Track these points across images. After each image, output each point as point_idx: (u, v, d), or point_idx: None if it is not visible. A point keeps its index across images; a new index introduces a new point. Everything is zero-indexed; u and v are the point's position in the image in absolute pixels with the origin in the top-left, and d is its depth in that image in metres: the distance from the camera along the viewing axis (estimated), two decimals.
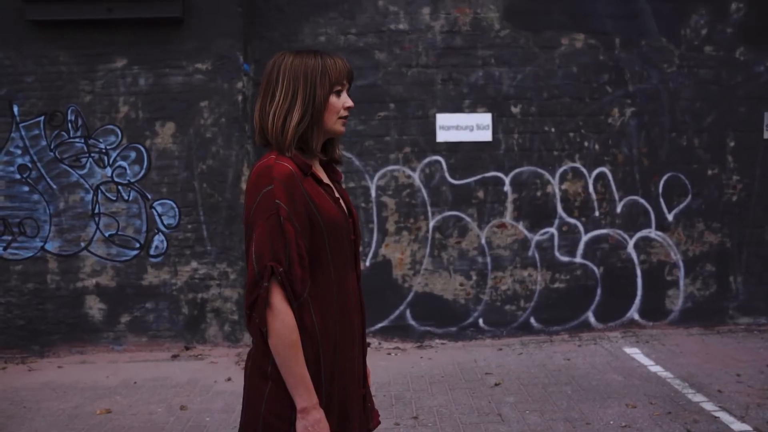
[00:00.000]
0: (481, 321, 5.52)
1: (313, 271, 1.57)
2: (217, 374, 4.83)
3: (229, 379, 4.72)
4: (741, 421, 3.83)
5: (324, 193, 1.62)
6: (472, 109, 5.42)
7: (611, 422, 3.88)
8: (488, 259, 5.50)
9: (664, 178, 5.61)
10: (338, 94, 1.64)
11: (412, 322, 5.47)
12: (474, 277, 5.50)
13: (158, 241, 5.28)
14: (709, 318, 5.70)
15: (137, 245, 5.28)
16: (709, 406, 4.08)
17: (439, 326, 5.48)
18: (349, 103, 1.67)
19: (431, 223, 5.45)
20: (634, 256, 5.63)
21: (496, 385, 4.51)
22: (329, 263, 1.61)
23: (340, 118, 1.65)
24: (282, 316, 1.49)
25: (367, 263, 5.43)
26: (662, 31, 5.55)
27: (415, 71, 5.40)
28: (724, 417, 3.91)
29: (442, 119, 5.39)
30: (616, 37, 5.52)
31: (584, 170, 5.54)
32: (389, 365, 4.98)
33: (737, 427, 3.76)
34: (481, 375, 4.73)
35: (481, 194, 5.46)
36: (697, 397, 4.24)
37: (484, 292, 5.52)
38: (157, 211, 5.27)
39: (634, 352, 5.19)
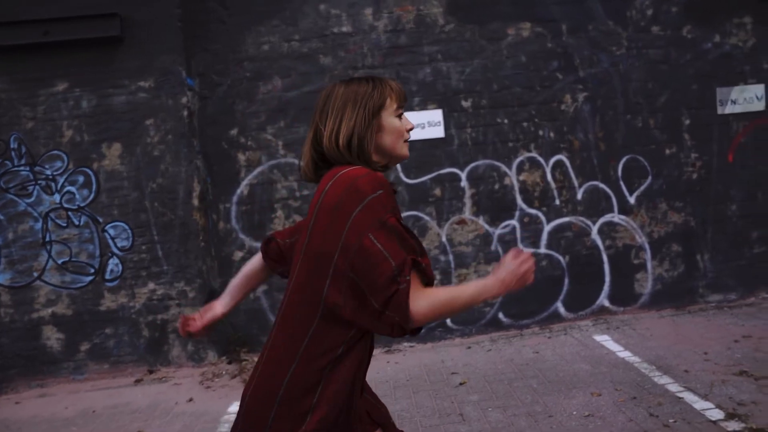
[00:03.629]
0: (448, 321, 5.43)
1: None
2: (180, 396, 4.72)
3: (190, 400, 4.61)
4: (704, 400, 3.76)
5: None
6: (423, 107, 5.36)
7: (574, 413, 3.79)
8: (450, 257, 5.42)
9: (623, 161, 5.56)
10: (400, 117, 1.64)
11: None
12: (437, 276, 5.41)
13: (113, 264, 5.17)
14: (679, 298, 5.63)
15: (92, 270, 5.17)
16: (674, 388, 4.01)
17: None
18: (411, 124, 1.68)
19: None
20: (599, 242, 5.56)
21: (460, 384, 4.42)
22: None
23: (405, 141, 1.65)
24: (429, 293, 1.50)
25: None
26: (609, 14, 5.51)
27: (362, 73, 5.33)
28: (688, 397, 3.84)
29: None
30: (562, 24, 5.47)
31: (541, 159, 5.48)
32: None
33: (700, 405, 3.69)
34: (447, 375, 4.63)
35: (438, 192, 5.39)
36: (663, 380, 4.17)
37: None
38: (109, 234, 5.17)
39: (604, 339, 5.11)
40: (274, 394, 1.52)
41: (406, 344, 5.38)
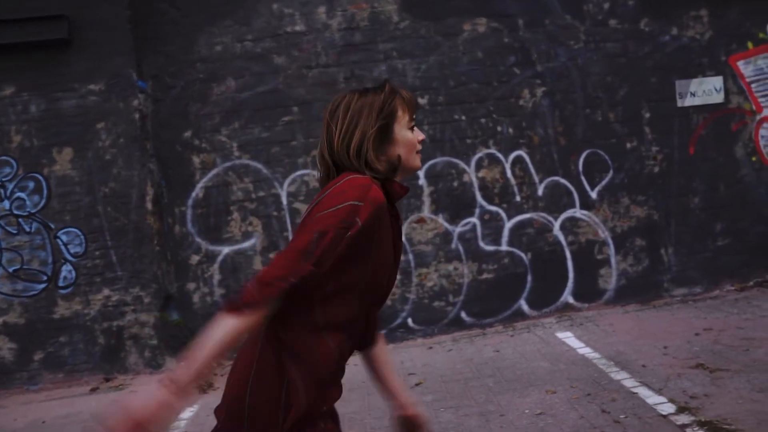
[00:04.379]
0: (410, 321, 5.36)
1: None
2: None
3: None
4: (658, 394, 3.70)
5: (387, 244, 1.54)
6: None
7: (527, 411, 3.72)
8: (410, 257, 5.35)
9: (583, 155, 5.51)
10: (412, 128, 1.61)
11: None
12: (398, 276, 5.34)
13: (66, 271, 5.07)
14: (644, 293, 5.58)
15: (44, 278, 5.06)
16: (629, 383, 3.95)
17: None
18: (422, 136, 1.65)
19: None
20: (561, 238, 5.51)
21: (416, 384, 4.34)
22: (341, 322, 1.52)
23: (417, 153, 1.63)
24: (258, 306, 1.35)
25: None
26: (565, 8, 5.47)
27: (316, 72, 5.27)
28: (642, 392, 3.78)
29: None
30: (519, 19, 5.43)
31: (500, 155, 5.43)
32: None
33: (653, 400, 3.63)
34: (405, 376, 4.55)
35: None
36: (620, 375, 4.11)
37: (410, 290, 5.36)
38: (62, 241, 5.07)
39: (567, 336, 5.05)
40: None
41: None
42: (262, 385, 1.46)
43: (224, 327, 1.33)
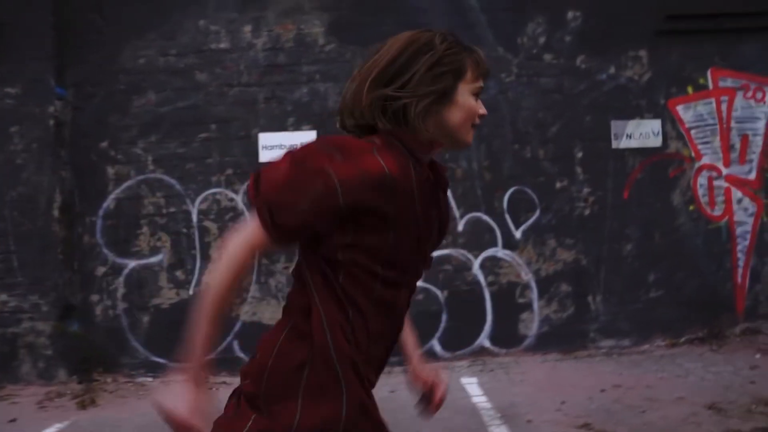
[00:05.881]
0: None
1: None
2: (10, 415, 4.48)
3: (13, 420, 4.37)
4: None
5: (419, 219, 1.32)
6: (297, 127, 5.19)
7: None
8: None
9: (509, 192, 5.29)
10: (477, 96, 1.40)
11: (240, 354, 5.09)
12: None
13: None
14: (569, 342, 5.26)
15: None
16: None
17: None
18: (484, 110, 1.43)
19: None
20: (480, 277, 5.26)
21: None
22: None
23: (473, 126, 1.41)
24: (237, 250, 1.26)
25: (191, 291, 5.11)
26: (498, 40, 5.33)
27: (237, 90, 5.21)
28: None
29: (265, 139, 5.16)
30: None
31: None
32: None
33: None
34: None
35: None
36: (499, 429, 3.82)
37: None
38: None
39: (470, 382, 4.75)
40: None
41: None
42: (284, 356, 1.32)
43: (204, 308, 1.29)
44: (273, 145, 5.15)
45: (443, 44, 1.35)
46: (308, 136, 5.17)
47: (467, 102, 1.38)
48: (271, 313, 5.12)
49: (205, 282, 1.30)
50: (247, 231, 1.26)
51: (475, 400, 4.37)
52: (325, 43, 5.24)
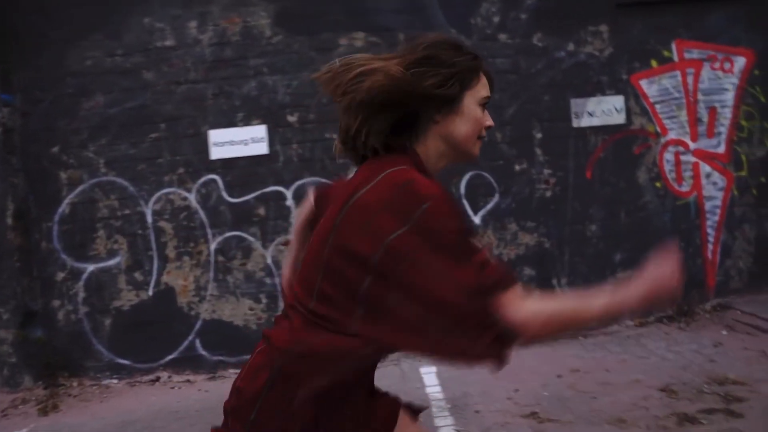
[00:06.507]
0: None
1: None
2: None
3: None
4: None
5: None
6: (246, 122, 5.11)
7: None
8: (277, 280, 5.11)
9: (466, 177, 5.17)
10: (483, 108, 1.41)
11: (203, 353, 5.08)
12: (264, 300, 5.11)
13: None
14: None
15: None
16: (446, 431, 3.60)
17: (232, 355, 5.07)
18: (491, 122, 1.45)
19: (212, 246, 5.10)
20: None
21: None
22: None
23: (479, 138, 1.43)
24: (534, 301, 1.26)
25: (150, 292, 5.09)
26: (451, 21, 5.18)
27: (185, 88, 5.13)
28: None
29: (215, 135, 5.09)
30: (399, 33, 5.17)
31: None
32: (160, 400, 4.60)
33: None
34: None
35: (262, 211, 5.10)
36: (444, 421, 3.76)
37: (276, 315, 5.10)
38: None
39: (429, 371, 4.68)
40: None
41: (231, 370, 5.06)
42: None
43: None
44: (223, 141, 5.09)
45: (450, 51, 1.34)
46: (258, 131, 5.09)
47: (474, 112, 1.37)
48: (230, 310, 5.09)
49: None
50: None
51: (429, 390, 4.31)
52: (272, 35, 5.14)
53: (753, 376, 3.82)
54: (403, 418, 1.54)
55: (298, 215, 1.84)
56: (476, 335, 1.21)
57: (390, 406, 1.55)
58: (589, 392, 3.94)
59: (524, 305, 1.23)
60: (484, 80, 1.40)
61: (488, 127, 1.42)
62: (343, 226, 1.28)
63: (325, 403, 1.36)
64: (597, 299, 1.25)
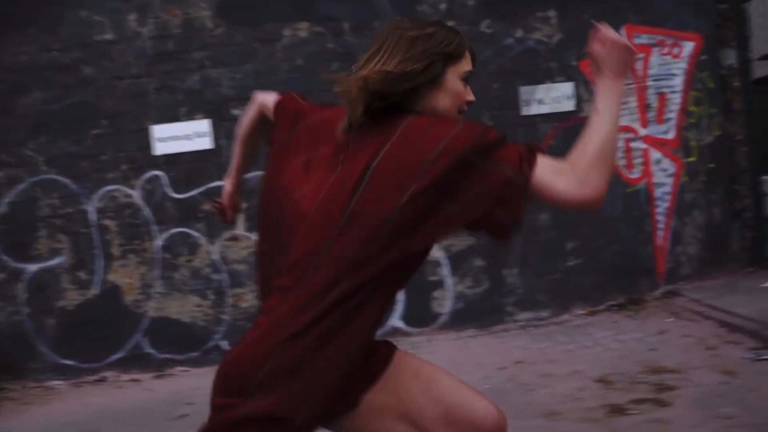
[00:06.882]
0: (226, 343, 5.05)
1: None
2: None
3: None
4: None
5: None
6: (190, 117, 5.02)
7: None
8: (225, 276, 5.05)
9: None
10: (465, 82, 1.46)
11: (151, 351, 5.02)
12: (211, 297, 5.05)
13: None
14: (485, 317, 5.16)
15: None
16: None
17: (180, 352, 5.02)
18: (473, 97, 1.49)
19: (158, 243, 5.02)
20: None
21: (181, 416, 4.04)
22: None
23: (460, 113, 1.46)
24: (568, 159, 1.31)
25: (95, 291, 5.02)
26: (396, 9, 5.09)
27: (127, 83, 5.02)
28: None
29: (159, 131, 5.00)
30: (344, 22, 5.09)
31: None
32: (102, 401, 4.55)
33: None
34: (180, 405, 4.24)
35: (208, 207, 5.03)
36: None
37: (224, 311, 5.06)
38: None
39: None
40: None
41: (179, 368, 5.01)
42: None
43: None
44: (167, 136, 4.99)
45: (434, 28, 1.40)
46: (201, 125, 5.00)
47: (456, 87, 1.41)
48: (177, 307, 5.03)
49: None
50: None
51: None
52: (213, 27, 5.03)
53: (688, 364, 3.83)
54: (398, 355, 1.58)
55: (242, 121, 1.85)
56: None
57: (385, 349, 1.59)
58: (529, 384, 3.92)
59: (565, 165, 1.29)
60: (467, 55, 1.44)
61: (469, 102, 1.46)
62: (378, 172, 1.31)
63: (345, 353, 1.36)
64: (599, 118, 1.33)
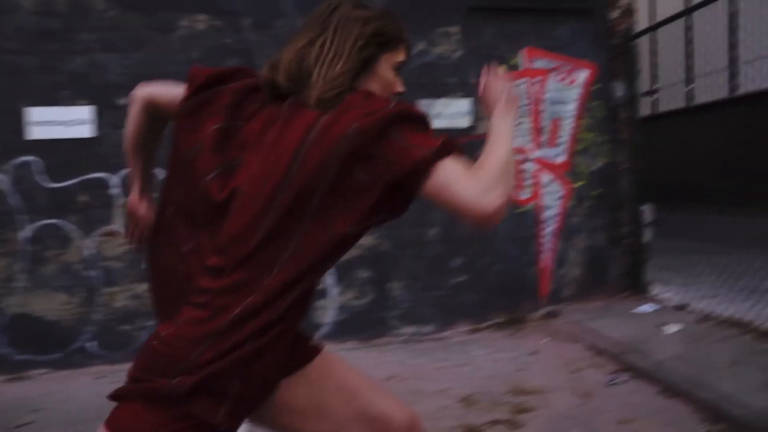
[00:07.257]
0: (94, 344, 4.78)
1: None
2: None
3: None
4: None
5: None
6: (71, 102, 4.73)
7: None
8: (98, 273, 4.78)
9: None
10: (398, 70, 1.46)
11: (7, 350, 4.68)
12: (82, 294, 4.77)
13: None
14: (367, 330, 5.12)
15: None
16: None
17: (41, 353, 4.70)
18: (402, 88, 1.49)
19: (25, 234, 4.70)
20: None
21: (24, 424, 3.76)
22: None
23: None
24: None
25: None
26: (301, 9, 5.00)
27: (1, 58, 4.68)
28: None
29: (35, 114, 4.68)
30: (245, 18, 4.95)
31: None
32: None
33: None
34: (25, 413, 3.95)
35: (84, 198, 4.76)
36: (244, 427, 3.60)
37: (94, 311, 4.79)
38: None
39: None
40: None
41: (39, 370, 4.69)
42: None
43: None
44: (43, 121, 4.68)
45: (378, 12, 1.40)
46: (82, 111, 4.73)
47: (386, 75, 1.42)
48: (42, 304, 4.71)
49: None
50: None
51: None
52: (104, 9, 4.77)
53: (551, 385, 3.91)
54: (324, 356, 1.63)
55: (128, 128, 1.74)
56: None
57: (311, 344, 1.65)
58: None
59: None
60: (401, 45, 1.45)
61: (398, 93, 1.47)
62: (315, 142, 1.29)
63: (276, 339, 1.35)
64: (497, 139, 1.41)
